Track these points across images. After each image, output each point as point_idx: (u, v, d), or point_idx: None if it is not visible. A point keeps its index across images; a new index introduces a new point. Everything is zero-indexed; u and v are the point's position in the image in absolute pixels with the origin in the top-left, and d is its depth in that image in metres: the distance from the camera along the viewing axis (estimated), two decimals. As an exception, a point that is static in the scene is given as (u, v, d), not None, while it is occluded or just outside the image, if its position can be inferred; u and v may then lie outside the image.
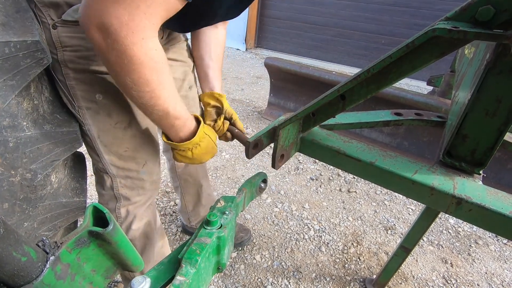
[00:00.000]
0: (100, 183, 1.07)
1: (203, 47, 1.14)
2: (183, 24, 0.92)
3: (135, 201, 1.09)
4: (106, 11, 0.58)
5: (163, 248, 1.33)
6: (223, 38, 1.18)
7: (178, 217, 1.88)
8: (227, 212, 0.70)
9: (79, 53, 0.81)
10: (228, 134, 1.10)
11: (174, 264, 0.62)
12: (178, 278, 0.55)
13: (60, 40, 0.79)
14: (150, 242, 1.22)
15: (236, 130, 1.14)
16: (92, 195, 2.00)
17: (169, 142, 0.89)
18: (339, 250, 1.72)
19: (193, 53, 1.18)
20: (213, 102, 1.10)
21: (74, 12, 0.76)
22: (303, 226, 1.86)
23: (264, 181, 0.93)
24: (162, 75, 0.70)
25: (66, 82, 0.84)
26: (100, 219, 0.49)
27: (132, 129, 0.95)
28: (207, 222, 0.66)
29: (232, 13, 0.94)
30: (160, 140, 1.08)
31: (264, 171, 1.01)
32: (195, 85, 1.26)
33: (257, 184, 0.91)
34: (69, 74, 0.83)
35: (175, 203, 2.00)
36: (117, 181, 1.03)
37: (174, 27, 0.97)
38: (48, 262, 0.42)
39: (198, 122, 0.91)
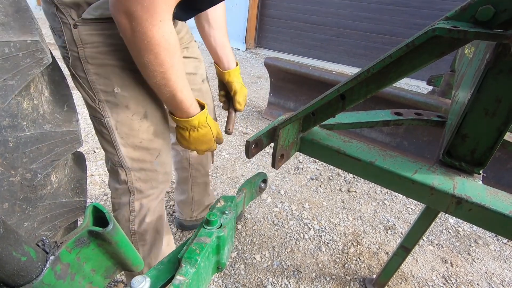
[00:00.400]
0: (114, 178, 1.10)
1: (200, 15, 1.16)
2: (186, 10, 0.93)
3: (148, 194, 1.12)
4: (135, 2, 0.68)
5: (169, 246, 1.34)
6: (223, 6, 1.18)
7: (176, 216, 1.88)
8: (226, 212, 0.70)
9: (99, 49, 0.86)
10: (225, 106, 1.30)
11: (174, 263, 0.62)
12: (178, 277, 0.55)
13: (81, 38, 0.84)
14: (160, 237, 1.24)
15: (230, 109, 1.29)
16: (92, 195, 2.00)
17: (172, 115, 0.96)
18: (339, 249, 1.72)
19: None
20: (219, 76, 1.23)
21: (93, 10, 0.81)
22: (303, 225, 1.87)
23: (264, 181, 0.93)
24: (174, 58, 0.78)
25: (87, 78, 0.89)
26: (100, 219, 0.49)
27: (148, 120, 1.00)
28: (207, 222, 0.66)
29: None
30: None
31: (264, 171, 1.02)
32: (206, 79, 1.30)
33: (257, 184, 0.91)
34: (89, 70, 0.88)
35: (175, 203, 1.99)
36: (131, 174, 1.05)
37: (179, 15, 0.97)
38: (48, 262, 0.42)
39: (203, 108, 0.97)
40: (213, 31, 1.18)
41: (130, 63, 0.85)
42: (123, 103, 0.94)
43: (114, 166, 1.06)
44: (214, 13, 1.17)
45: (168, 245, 1.33)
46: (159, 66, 0.77)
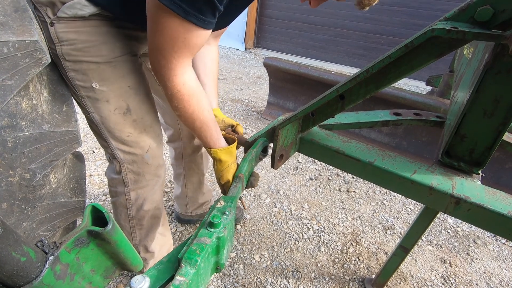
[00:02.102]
0: (111, 168, 1.14)
1: (197, 65, 1.18)
2: None
3: (143, 186, 1.15)
4: (157, 61, 0.82)
5: (164, 226, 1.37)
6: (216, 54, 1.22)
7: (174, 208, 1.88)
8: (227, 213, 0.70)
9: (74, 46, 0.86)
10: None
11: (173, 263, 0.61)
12: (178, 278, 0.55)
13: (58, 36, 0.84)
14: (157, 222, 1.30)
15: (236, 135, 1.22)
16: (91, 195, 1.99)
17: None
18: (338, 250, 1.72)
19: None
20: None
21: (67, 8, 0.82)
22: (302, 226, 1.87)
23: (264, 149, 0.95)
24: (194, 104, 0.88)
25: (67, 74, 0.90)
26: (99, 219, 0.49)
27: (132, 114, 1.01)
28: (210, 224, 0.65)
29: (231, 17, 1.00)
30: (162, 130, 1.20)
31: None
32: None
33: (257, 155, 0.93)
34: (68, 67, 0.89)
35: (174, 203, 1.99)
36: (124, 166, 1.08)
37: None
38: (47, 262, 0.42)
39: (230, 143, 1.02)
40: (208, 80, 1.19)
41: (106, 59, 0.89)
42: (103, 98, 0.95)
43: (110, 157, 1.10)
44: (212, 63, 1.20)
45: (163, 225, 1.37)
46: (181, 111, 0.90)
